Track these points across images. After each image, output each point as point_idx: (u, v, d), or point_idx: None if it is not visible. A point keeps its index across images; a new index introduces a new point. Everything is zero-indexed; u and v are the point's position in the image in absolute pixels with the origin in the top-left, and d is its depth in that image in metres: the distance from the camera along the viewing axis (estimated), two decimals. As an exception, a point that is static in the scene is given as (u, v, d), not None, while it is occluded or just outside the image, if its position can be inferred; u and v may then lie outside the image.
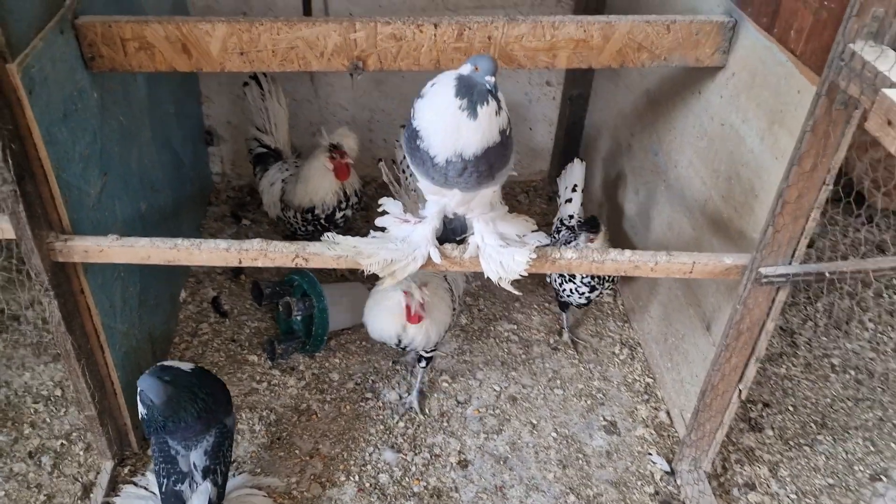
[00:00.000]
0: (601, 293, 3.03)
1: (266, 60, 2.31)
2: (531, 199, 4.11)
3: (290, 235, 3.37)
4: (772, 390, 3.04)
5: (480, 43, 2.32)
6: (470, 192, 1.89)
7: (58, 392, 2.88)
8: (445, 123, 1.76)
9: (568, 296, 3.02)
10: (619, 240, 3.41)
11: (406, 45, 2.31)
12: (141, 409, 2.23)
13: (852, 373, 3.13)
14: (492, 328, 3.27)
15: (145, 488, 2.44)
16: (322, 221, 3.21)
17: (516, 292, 2.11)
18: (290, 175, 3.32)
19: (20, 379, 2.93)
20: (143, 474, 2.55)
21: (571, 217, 3.19)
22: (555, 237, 3.20)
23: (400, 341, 2.63)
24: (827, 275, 1.91)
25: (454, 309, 2.79)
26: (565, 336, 3.22)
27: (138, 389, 2.17)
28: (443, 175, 1.83)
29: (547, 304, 3.40)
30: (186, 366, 2.26)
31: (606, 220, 3.66)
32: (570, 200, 3.23)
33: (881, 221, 3.97)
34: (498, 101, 1.76)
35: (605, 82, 3.66)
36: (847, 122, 1.80)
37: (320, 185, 3.14)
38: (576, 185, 3.21)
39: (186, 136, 3.50)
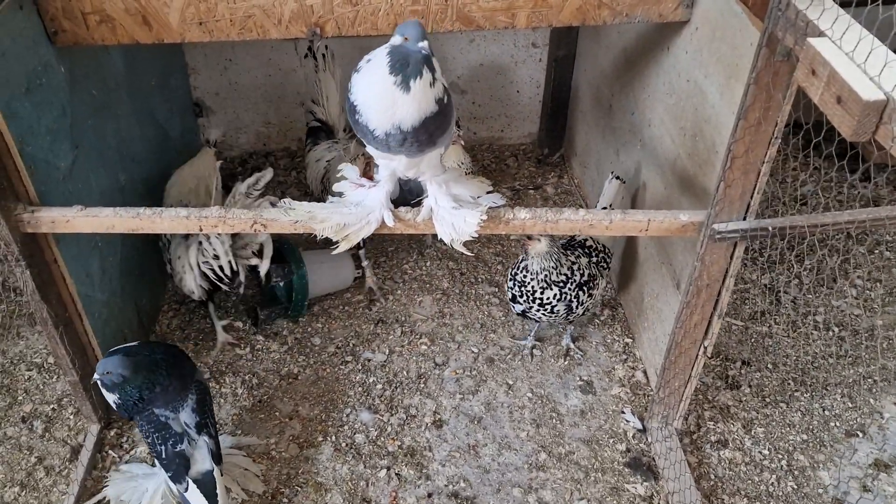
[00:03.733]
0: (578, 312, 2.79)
1: (225, 30, 2.34)
2: (520, 163, 4.10)
3: None
4: (752, 348, 3.04)
5: (437, 5, 2.32)
6: (415, 157, 1.91)
7: (51, 360, 2.99)
8: (380, 99, 1.77)
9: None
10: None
11: (363, 9, 2.32)
12: (111, 398, 2.28)
13: (836, 330, 3.11)
14: (473, 291, 3.30)
15: (129, 472, 2.54)
16: None
17: (469, 253, 2.14)
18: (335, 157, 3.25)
19: (15, 348, 3.04)
20: (125, 450, 2.66)
21: (586, 241, 2.93)
22: (566, 254, 2.74)
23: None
24: (770, 229, 1.90)
25: None
26: (564, 341, 3.05)
27: (97, 382, 2.23)
28: (385, 145, 1.86)
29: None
30: (131, 343, 2.33)
31: (591, 184, 3.66)
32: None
33: (878, 178, 3.91)
34: (433, 70, 1.77)
35: (589, 42, 3.62)
36: (790, 75, 1.77)
37: None
38: (607, 208, 2.88)
39: (173, 108, 3.55)
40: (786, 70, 1.76)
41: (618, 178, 2.92)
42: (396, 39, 1.76)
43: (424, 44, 1.72)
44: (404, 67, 1.74)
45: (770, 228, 1.90)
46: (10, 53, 2.04)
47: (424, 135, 1.82)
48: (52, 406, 2.82)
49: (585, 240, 2.95)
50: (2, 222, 2.09)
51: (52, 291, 2.35)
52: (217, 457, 2.30)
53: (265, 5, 2.28)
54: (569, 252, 2.78)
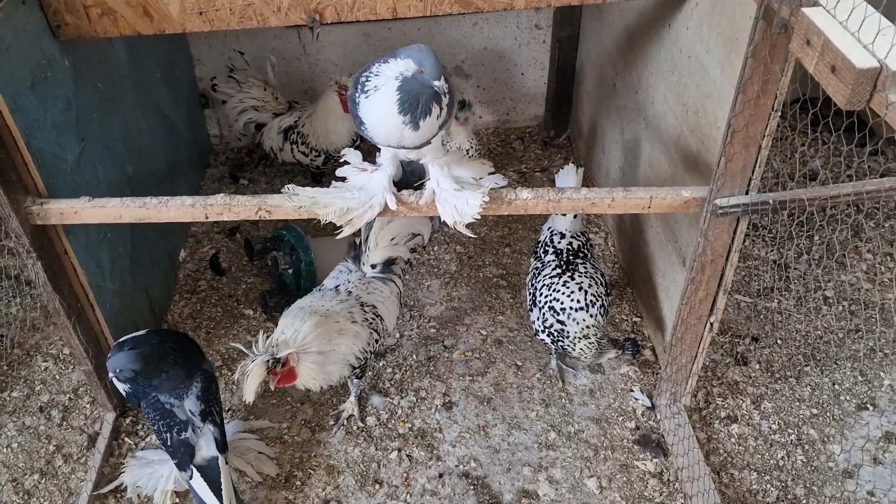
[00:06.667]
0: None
1: (225, 19, 2.35)
2: (526, 146, 4.10)
3: None
4: (761, 324, 3.03)
5: (436, -12, 2.32)
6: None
7: (66, 351, 3.03)
8: (389, 132, 1.85)
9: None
10: (610, 184, 3.40)
11: (361, -6, 2.32)
12: (122, 388, 2.35)
13: (845, 304, 3.10)
14: (480, 274, 3.31)
15: (145, 458, 2.58)
16: None
17: (472, 235, 2.14)
18: None
19: (31, 339, 3.10)
20: (141, 437, 2.71)
21: (563, 236, 2.78)
22: (538, 252, 2.84)
23: None
24: (771, 202, 1.89)
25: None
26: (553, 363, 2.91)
27: (110, 375, 2.30)
28: (384, 146, 1.98)
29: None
30: (140, 332, 2.37)
31: (598, 165, 3.65)
32: (563, 214, 2.77)
33: (888, 150, 3.88)
34: (440, 102, 1.80)
35: (592, 22, 3.60)
36: (787, 47, 1.76)
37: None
38: None
39: (179, 99, 3.57)
40: (783, 42, 1.75)
41: (581, 166, 2.94)
42: (409, 67, 1.75)
43: (442, 83, 1.73)
44: (414, 108, 1.77)
45: (771, 202, 1.90)
46: (13, 48, 2.06)
47: (424, 146, 1.93)
48: (68, 395, 2.87)
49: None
50: (12, 215, 2.12)
51: (64, 282, 2.39)
52: (222, 445, 2.33)
53: (264, -7, 2.29)
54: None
